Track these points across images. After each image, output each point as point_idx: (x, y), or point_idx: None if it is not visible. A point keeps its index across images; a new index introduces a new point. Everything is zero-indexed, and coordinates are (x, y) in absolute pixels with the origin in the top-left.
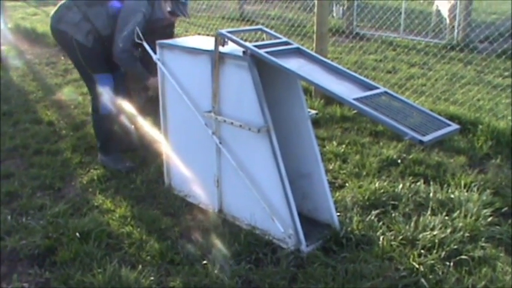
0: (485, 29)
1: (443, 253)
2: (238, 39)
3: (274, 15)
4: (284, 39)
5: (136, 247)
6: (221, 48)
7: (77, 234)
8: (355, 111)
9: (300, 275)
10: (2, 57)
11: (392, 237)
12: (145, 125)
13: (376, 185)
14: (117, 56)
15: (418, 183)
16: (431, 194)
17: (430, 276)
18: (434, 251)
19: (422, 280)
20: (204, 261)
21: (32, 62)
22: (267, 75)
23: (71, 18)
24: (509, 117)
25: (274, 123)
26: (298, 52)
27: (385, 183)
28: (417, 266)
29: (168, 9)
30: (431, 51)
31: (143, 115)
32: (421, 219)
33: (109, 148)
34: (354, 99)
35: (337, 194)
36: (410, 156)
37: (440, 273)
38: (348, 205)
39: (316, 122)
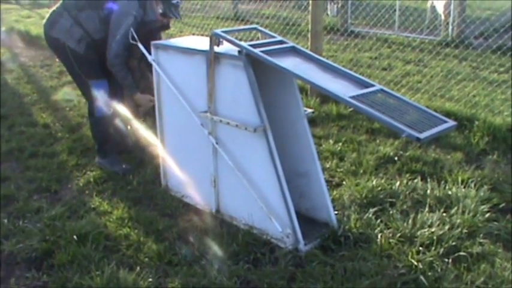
0: (480, 25)
1: (442, 250)
2: (233, 39)
3: (269, 14)
4: (279, 38)
5: (134, 249)
6: (216, 48)
7: (74, 236)
8: (351, 109)
9: (299, 274)
10: None
11: (391, 235)
12: (141, 128)
13: (374, 182)
14: (110, 61)
15: (416, 180)
16: (428, 191)
17: (429, 273)
18: (433, 248)
19: (421, 277)
20: (202, 262)
21: (27, 65)
22: (263, 75)
23: (62, 24)
24: (506, 113)
25: (270, 123)
26: (293, 51)
27: (383, 181)
28: (416, 263)
29: (160, 11)
30: (426, 48)
31: (139, 118)
32: (419, 216)
33: (106, 150)
34: (350, 97)
35: (335, 192)
36: (407, 154)
37: (439, 270)
38: (346, 203)
39: (312, 121)
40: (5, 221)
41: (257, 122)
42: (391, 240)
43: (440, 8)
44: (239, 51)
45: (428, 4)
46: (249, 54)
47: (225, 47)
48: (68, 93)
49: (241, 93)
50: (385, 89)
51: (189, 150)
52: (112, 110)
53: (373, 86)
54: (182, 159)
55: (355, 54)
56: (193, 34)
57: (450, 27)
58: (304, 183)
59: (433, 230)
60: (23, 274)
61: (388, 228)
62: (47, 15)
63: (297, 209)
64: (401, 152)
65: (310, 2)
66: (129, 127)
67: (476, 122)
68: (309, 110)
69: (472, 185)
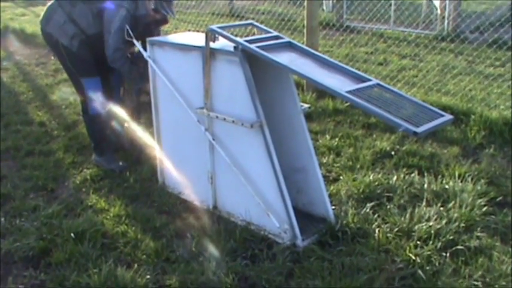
0: (475, 19)
1: (440, 244)
2: (229, 35)
3: (264, 10)
4: (275, 33)
5: (131, 246)
6: (212, 44)
7: (72, 234)
8: (347, 104)
9: (297, 270)
10: None
11: (388, 230)
12: (136, 126)
13: (371, 177)
14: (110, 57)
15: (412, 175)
16: (425, 185)
17: (427, 268)
18: (430, 242)
19: (419, 271)
20: (200, 259)
21: (22, 63)
22: (259, 70)
23: (56, 20)
24: (502, 107)
25: (267, 118)
26: (289, 46)
27: (380, 176)
28: (413, 257)
29: (152, 6)
30: (422, 43)
31: (134, 117)
32: (416, 210)
33: (103, 148)
34: (347, 91)
35: (332, 187)
36: (404, 148)
37: (436, 264)
38: (343, 198)
39: (308, 116)
40: (2, 219)
41: (253, 117)
42: (388, 235)
43: (437, 2)
44: (235, 47)
45: None
46: (245, 50)
47: (220, 43)
48: (63, 91)
49: (237, 89)
50: (382, 83)
51: (186, 146)
52: (106, 109)
53: (369, 80)
54: (179, 156)
55: (350, 49)
56: (189, 30)
57: (446, 21)
58: (301, 178)
59: (430, 224)
60: (21, 273)
61: (386, 223)
62: (43, 12)
63: (294, 205)
64: (398, 147)
65: None
66: (126, 125)
67: (473, 116)
68: (306, 105)
69: (469, 179)
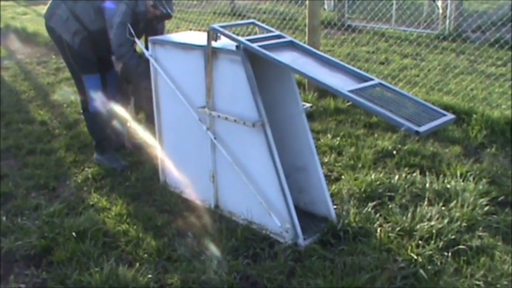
0: (477, 18)
1: (441, 243)
2: (231, 34)
3: (266, 9)
4: (277, 32)
5: (133, 245)
6: (214, 43)
7: (73, 233)
8: (349, 104)
9: (298, 269)
10: None
11: (390, 229)
12: (137, 126)
13: (372, 176)
14: (116, 53)
15: (414, 174)
16: (427, 185)
17: (429, 267)
18: (432, 242)
19: (421, 271)
20: (202, 258)
21: (23, 62)
22: (261, 70)
23: (59, 15)
24: (503, 106)
25: (268, 118)
26: (291, 45)
27: (381, 175)
28: (415, 256)
29: (151, 3)
30: (424, 42)
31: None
32: (418, 210)
33: (104, 147)
34: (349, 91)
35: (333, 186)
36: (406, 147)
37: (438, 263)
38: (345, 197)
39: (310, 115)
40: (4, 218)
41: (255, 117)
42: (390, 234)
43: (439, 1)
44: (237, 46)
45: None
46: (247, 49)
47: (222, 42)
48: (64, 89)
49: (239, 88)
50: (384, 82)
51: (188, 145)
52: (106, 107)
53: (371, 79)
54: (180, 155)
55: (352, 49)
56: (190, 29)
57: (447, 20)
58: (302, 177)
59: (432, 223)
60: (22, 271)
61: (387, 222)
62: (47, 6)
63: (296, 204)
64: (399, 146)
65: None
66: (128, 124)
67: (474, 116)
68: (307, 105)
69: (471, 178)
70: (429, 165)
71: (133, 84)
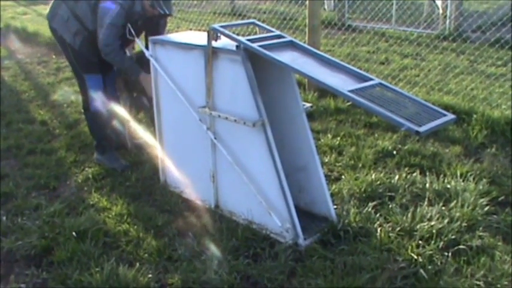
0: (477, 18)
1: (442, 243)
2: (231, 34)
3: (266, 9)
4: (277, 32)
5: (133, 245)
6: (214, 43)
7: (74, 233)
8: (349, 103)
9: (299, 269)
10: None
11: (390, 229)
12: (137, 126)
13: (373, 176)
14: (102, 52)
15: (414, 174)
16: (427, 185)
17: (429, 267)
18: (432, 242)
19: (421, 271)
20: (202, 258)
21: (23, 62)
22: (261, 69)
23: (61, 16)
24: (504, 106)
25: (268, 117)
26: (291, 45)
27: (381, 175)
28: (416, 256)
29: (148, 3)
30: (424, 42)
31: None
32: (418, 209)
33: (104, 147)
34: (349, 91)
35: (334, 186)
36: (406, 147)
37: (438, 263)
38: (345, 197)
39: (310, 115)
40: (4, 218)
41: (256, 116)
42: (390, 234)
43: (439, 1)
44: (237, 46)
45: None
46: (247, 49)
47: (222, 42)
48: (65, 89)
49: (239, 87)
50: (384, 82)
51: (188, 145)
52: (108, 107)
53: (371, 79)
54: (181, 154)
55: (352, 49)
56: (191, 29)
57: (447, 20)
58: (303, 177)
59: (432, 223)
60: (23, 271)
61: (388, 222)
62: (50, 6)
63: (296, 204)
64: (399, 146)
65: None
66: (129, 124)
67: (475, 116)
68: (307, 105)
69: (471, 178)
70: (429, 165)
71: (131, 82)
